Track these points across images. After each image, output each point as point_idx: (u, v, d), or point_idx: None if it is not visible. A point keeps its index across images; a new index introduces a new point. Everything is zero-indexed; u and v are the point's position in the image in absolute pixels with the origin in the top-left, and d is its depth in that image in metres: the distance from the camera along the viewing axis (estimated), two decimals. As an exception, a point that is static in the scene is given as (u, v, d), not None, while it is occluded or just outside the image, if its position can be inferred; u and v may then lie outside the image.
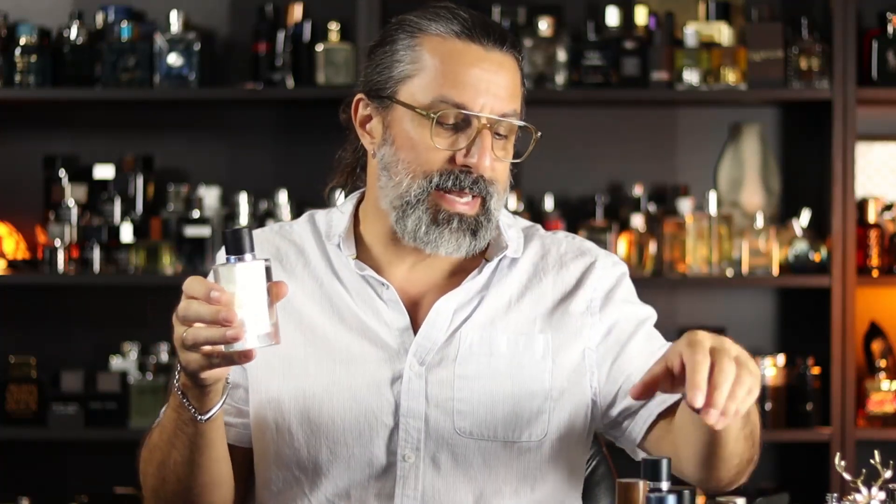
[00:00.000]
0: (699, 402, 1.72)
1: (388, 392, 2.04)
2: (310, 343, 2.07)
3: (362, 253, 2.11)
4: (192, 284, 1.81)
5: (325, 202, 4.12)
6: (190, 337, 1.80)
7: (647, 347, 2.10)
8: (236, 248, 1.80)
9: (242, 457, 2.10)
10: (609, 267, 2.14)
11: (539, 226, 2.20)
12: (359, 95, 2.11)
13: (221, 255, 2.13)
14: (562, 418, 2.07)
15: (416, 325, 2.07)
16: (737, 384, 1.74)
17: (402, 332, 2.07)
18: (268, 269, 1.81)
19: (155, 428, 2.04)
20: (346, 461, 2.04)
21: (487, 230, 2.05)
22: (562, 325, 2.09)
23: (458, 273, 2.10)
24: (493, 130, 2.02)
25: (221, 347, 1.80)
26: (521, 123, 2.05)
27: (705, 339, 1.76)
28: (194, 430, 1.94)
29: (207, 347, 1.80)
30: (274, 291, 1.81)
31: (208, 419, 1.92)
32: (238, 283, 1.79)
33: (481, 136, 2.01)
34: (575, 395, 2.08)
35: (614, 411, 2.08)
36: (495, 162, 2.03)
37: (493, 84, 2.03)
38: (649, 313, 2.15)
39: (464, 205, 2.02)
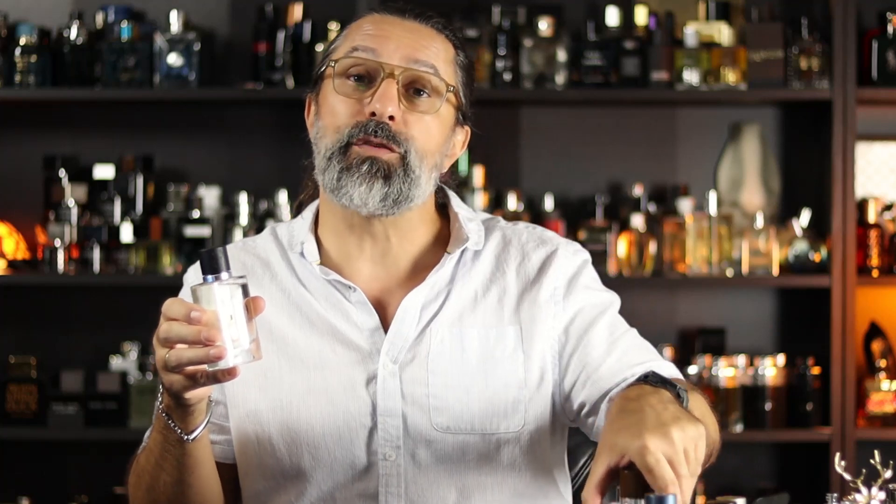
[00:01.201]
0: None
1: (363, 393, 2.05)
2: (282, 353, 2.08)
3: (325, 257, 2.12)
4: (171, 306, 1.82)
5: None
6: (173, 358, 1.81)
7: (607, 336, 2.09)
8: (212, 267, 1.81)
9: (228, 473, 2.10)
10: (570, 255, 2.14)
11: (500, 217, 2.20)
12: (308, 96, 2.14)
13: (190, 274, 2.14)
14: (538, 408, 2.08)
15: (385, 325, 2.08)
16: (691, 478, 1.72)
17: (373, 332, 2.07)
18: (244, 287, 1.82)
19: (141, 453, 2.04)
20: (329, 465, 2.04)
21: (405, 183, 2.03)
22: (529, 315, 2.09)
23: (422, 269, 2.10)
24: (404, 83, 2.04)
25: (205, 367, 1.81)
26: (426, 70, 2.05)
27: (657, 450, 1.70)
28: (181, 451, 1.94)
29: (191, 368, 1.81)
30: (252, 307, 1.82)
31: (194, 438, 1.92)
32: (217, 302, 1.80)
33: (384, 83, 2.03)
34: (548, 384, 2.09)
35: (574, 404, 2.08)
36: (408, 116, 2.04)
37: (404, 38, 2.06)
38: (612, 299, 2.14)
39: (375, 149, 2.03)
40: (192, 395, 1.86)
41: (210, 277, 1.81)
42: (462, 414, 2.05)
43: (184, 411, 1.90)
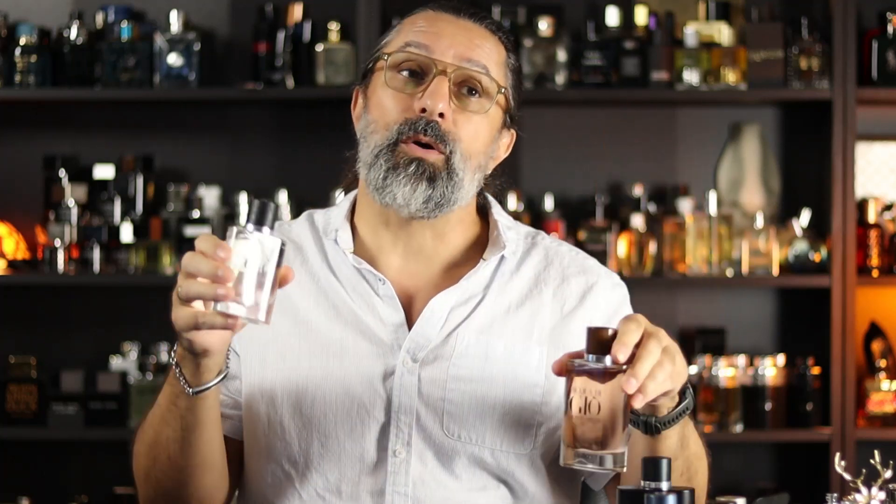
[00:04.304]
0: (623, 357, 1.77)
1: (380, 387, 2.04)
2: (304, 337, 2.07)
3: (359, 247, 2.11)
4: (203, 240, 1.80)
5: (325, 202, 4.12)
6: (184, 289, 1.79)
7: None
8: (259, 219, 1.80)
9: (238, 450, 2.09)
10: (610, 289, 2.13)
11: (543, 232, 2.18)
12: (356, 88, 2.14)
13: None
14: (553, 433, 2.06)
15: (410, 322, 2.07)
16: (658, 367, 1.79)
17: (397, 327, 2.06)
18: (281, 251, 1.81)
19: (150, 408, 2.03)
20: (338, 456, 2.03)
21: (448, 186, 2.03)
22: (560, 342, 2.07)
23: (455, 271, 2.10)
24: (456, 82, 2.03)
25: (211, 306, 1.79)
26: (478, 70, 2.04)
27: (642, 319, 1.82)
28: (186, 405, 1.92)
29: (198, 304, 1.79)
30: (281, 275, 1.81)
31: (198, 393, 1.90)
32: (250, 250, 1.79)
33: (436, 80, 2.02)
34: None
35: None
36: (457, 115, 2.03)
37: (458, 36, 2.05)
38: None
39: (423, 150, 2.02)
40: (194, 337, 1.83)
41: (251, 226, 1.80)
42: (475, 425, 2.04)
43: (193, 362, 1.88)
